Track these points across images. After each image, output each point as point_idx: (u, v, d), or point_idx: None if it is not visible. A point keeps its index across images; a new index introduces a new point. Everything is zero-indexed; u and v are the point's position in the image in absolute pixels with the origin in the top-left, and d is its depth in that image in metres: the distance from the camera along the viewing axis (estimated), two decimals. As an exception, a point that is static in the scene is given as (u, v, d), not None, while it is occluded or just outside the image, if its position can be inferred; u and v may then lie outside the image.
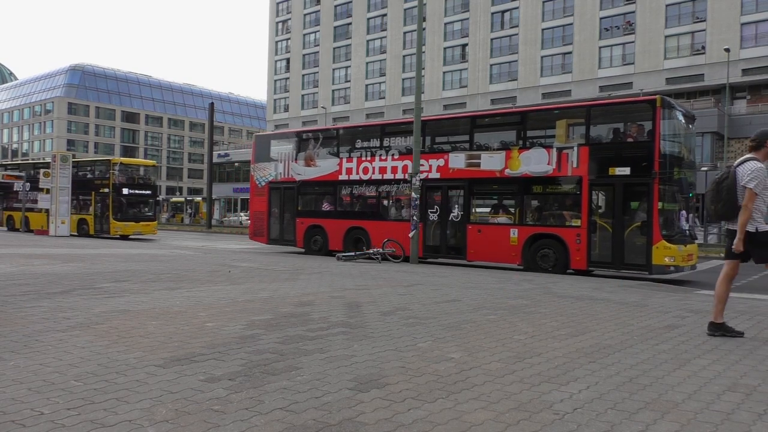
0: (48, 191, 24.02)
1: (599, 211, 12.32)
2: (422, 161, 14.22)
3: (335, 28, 74.40)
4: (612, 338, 5.05)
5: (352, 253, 14.51)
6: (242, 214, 57.01)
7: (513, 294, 7.98)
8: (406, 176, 14.48)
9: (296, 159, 17.21)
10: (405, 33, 67.04)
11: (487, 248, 13.41)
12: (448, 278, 9.97)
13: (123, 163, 26.67)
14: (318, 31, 76.04)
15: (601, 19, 54.28)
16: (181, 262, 11.51)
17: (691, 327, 5.74)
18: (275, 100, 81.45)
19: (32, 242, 18.58)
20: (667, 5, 50.83)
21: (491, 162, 13.49)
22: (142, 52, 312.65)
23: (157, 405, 3.00)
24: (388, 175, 15.19)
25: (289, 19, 79.56)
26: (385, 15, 69.21)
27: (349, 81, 72.88)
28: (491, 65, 60.99)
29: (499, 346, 4.61)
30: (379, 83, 70.09)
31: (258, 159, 18.46)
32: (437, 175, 14.32)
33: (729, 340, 5.13)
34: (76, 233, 25.32)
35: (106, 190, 24.83)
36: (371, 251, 14.70)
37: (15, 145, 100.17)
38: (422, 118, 14.50)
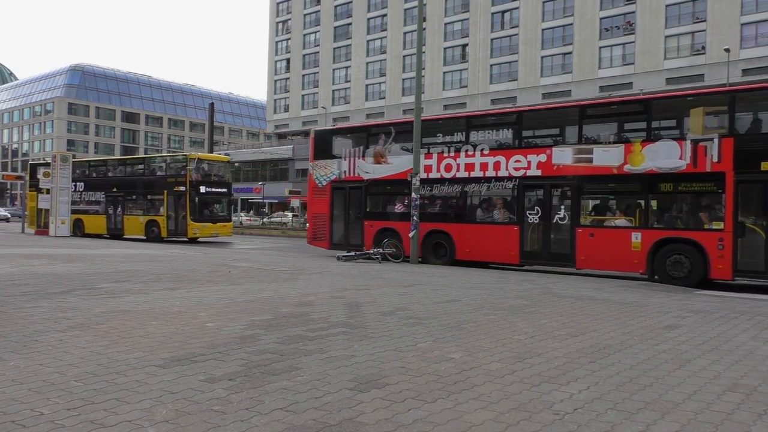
0: (48, 191, 24.01)
1: (747, 212, 10.75)
2: (519, 157, 12.93)
3: (335, 28, 74.40)
4: (612, 338, 5.05)
5: (352, 254, 14.50)
6: (242, 214, 57.01)
7: (513, 294, 7.97)
8: (498, 174, 13.18)
9: (364, 156, 15.47)
10: (405, 33, 67.03)
11: (601, 255, 11.86)
12: (448, 278, 9.97)
13: (201, 159, 23.68)
14: (318, 31, 76.05)
15: (601, 19, 54.28)
16: (181, 263, 11.51)
17: (692, 327, 5.73)
18: (275, 100, 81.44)
19: (32, 242, 18.58)
20: (667, 5, 50.84)
21: (606, 157, 11.96)
22: (142, 52, 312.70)
23: (158, 405, 3.00)
24: (477, 173, 13.58)
25: (289, 19, 79.56)
26: (385, 15, 69.22)
27: (350, 81, 72.89)
28: (491, 65, 60.99)
29: (499, 346, 4.61)
30: (380, 83, 70.09)
31: (318, 156, 16.62)
32: (537, 173, 12.75)
33: (729, 339, 5.13)
34: (143, 237, 23.33)
35: (182, 188, 22.36)
36: (371, 251, 14.67)
37: (15, 146, 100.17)
38: (519, 109, 13.31)
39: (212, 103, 45.33)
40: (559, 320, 5.90)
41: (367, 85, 71.37)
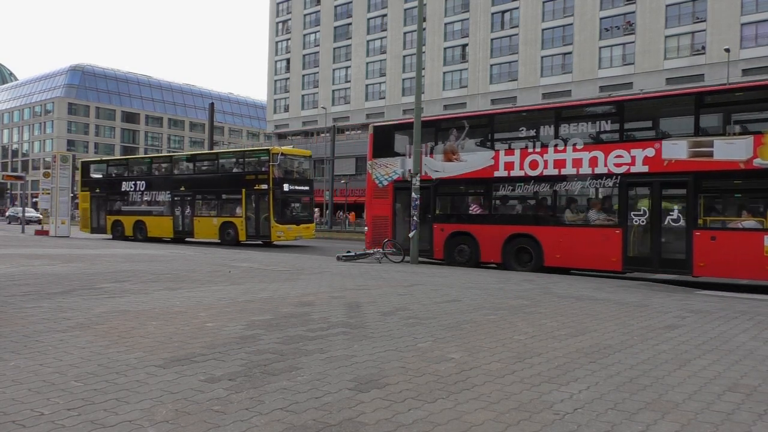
0: (48, 192, 24.01)
1: None
2: (621, 152, 11.69)
3: (335, 28, 74.42)
4: (612, 338, 5.04)
5: (353, 254, 14.48)
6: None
7: (513, 294, 7.97)
8: (595, 171, 11.89)
9: (432, 153, 14.18)
10: (405, 33, 67.05)
11: (725, 260, 10.66)
12: (448, 278, 9.96)
13: (284, 154, 21.36)
14: (318, 31, 76.06)
15: (601, 19, 54.30)
16: (181, 263, 11.50)
17: (692, 327, 5.73)
18: (275, 100, 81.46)
19: (33, 243, 18.58)
20: (667, 5, 50.85)
21: (730, 150, 10.66)
22: (142, 52, 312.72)
23: (158, 405, 3.00)
24: (569, 170, 12.25)
25: (289, 19, 79.59)
26: (385, 15, 69.23)
27: (349, 81, 72.89)
28: (491, 65, 61.01)
29: (499, 346, 4.61)
30: (380, 83, 70.10)
31: (377, 154, 15.22)
32: (644, 169, 11.44)
33: (729, 339, 5.12)
34: (217, 240, 21.44)
35: (264, 186, 20.30)
36: (371, 251, 14.64)
37: (15, 146, 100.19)
38: (620, 99, 12.02)
39: (212, 103, 45.32)
40: (559, 320, 5.90)
41: (367, 85, 71.38)
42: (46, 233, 23.98)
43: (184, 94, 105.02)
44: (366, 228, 15.68)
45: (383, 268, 11.86)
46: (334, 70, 74.62)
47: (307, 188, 22.32)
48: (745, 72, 46.56)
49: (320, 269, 10.98)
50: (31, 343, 4.29)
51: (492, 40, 60.85)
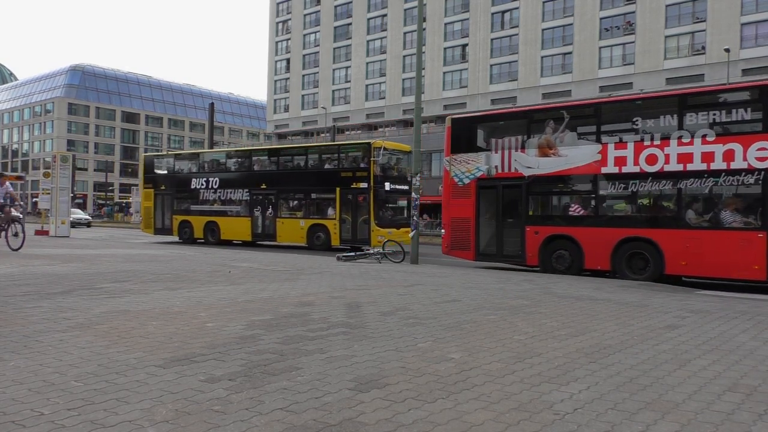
0: (48, 192, 23.99)
1: None
2: (765, 143, 10.38)
3: (335, 28, 74.44)
4: (612, 338, 5.04)
5: (353, 254, 14.48)
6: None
7: (513, 294, 7.97)
8: (731, 166, 10.44)
9: (523, 147, 12.84)
10: (405, 33, 67.07)
11: None
12: (448, 278, 9.96)
13: (387, 148, 19.09)
14: (318, 31, 76.09)
15: (601, 19, 54.33)
16: (181, 263, 11.50)
17: (692, 327, 5.73)
18: (275, 100, 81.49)
19: (32, 243, 18.58)
20: (667, 5, 50.87)
21: None
22: (142, 52, 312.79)
23: (158, 405, 3.00)
24: (696, 165, 10.81)
25: (289, 19, 79.61)
26: (385, 15, 69.24)
27: (349, 81, 72.91)
28: (491, 65, 61.03)
29: (499, 346, 4.61)
30: (379, 83, 70.13)
31: (456, 149, 13.87)
32: None
33: (729, 339, 5.12)
34: (304, 244, 19.66)
35: (364, 184, 18.27)
36: (371, 251, 14.62)
37: (15, 146, 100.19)
38: (763, 83, 10.86)
39: (212, 103, 45.32)
40: (559, 320, 5.90)
41: (367, 85, 71.40)
42: (46, 233, 23.97)
43: (184, 94, 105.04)
44: (442, 231, 14.25)
45: (383, 268, 11.86)
46: (334, 70, 74.64)
47: (406, 188, 19.66)
48: (745, 72, 46.59)
49: (320, 269, 10.98)
50: (31, 343, 4.29)
51: (492, 40, 60.88)
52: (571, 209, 12.53)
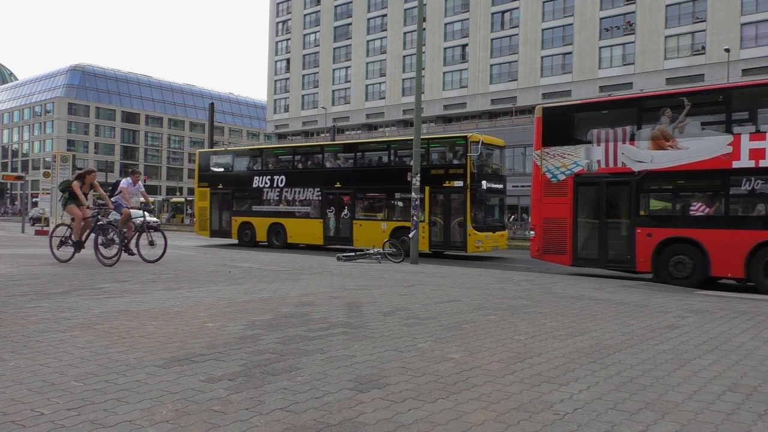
0: (48, 192, 23.99)
1: None
2: None
3: (335, 28, 74.45)
4: (612, 338, 5.04)
5: (353, 254, 14.46)
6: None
7: (513, 294, 7.97)
8: None
9: (632, 139, 11.54)
10: (405, 33, 67.08)
11: None
12: (448, 278, 9.96)
13: (485, 142, 17.13)
14: (318, 31, 76.10)
15: (601, 19, 54.34)
16: (181, 263, 11.49)
17: (692, 327, 5.73)
18: (275, 100, 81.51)
19: (33, 243, 18.58)
20: (667, 5, 50.89)
21: None
22: (142, 52, 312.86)
23: (158, 405, 3.00)
24: None
25: (289, 19, 79.62)
26: (385, 15, 69.25)
27: (349, 81, 72.93)
28: (491, 65, 61.04)
29: (499, 346, 4.61)
30: (379, 83, 70.13)
31: (549, 141, 12.56)
32: None
33: (729, 339, 5.12)
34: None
35: (459, 183, 16.55)
36: (372, 251, 14.61)
37: (15, 146, 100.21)
38: None
39: (212, 103, 45.33)
40: (559, 320, 5.90)
41: (367, 85, 71.42)
42: (45, 233, 23.97)
43: (184, 94, 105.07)
44: (532, 233, 12.91)
45: (383, 268, 11.86)
46: (334, 70, 74.65)
47: (501, 186, 18.29)
48: (745, 72, 46.60)
49: (320, 269, 10.98)
50: (31, 343, 4.29)
51: (492, 40, 60.89)
52: (693, 208, 11.04)
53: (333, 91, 74.65)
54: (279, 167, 20.93)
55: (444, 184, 16.89)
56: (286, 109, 79.84)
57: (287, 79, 79.52)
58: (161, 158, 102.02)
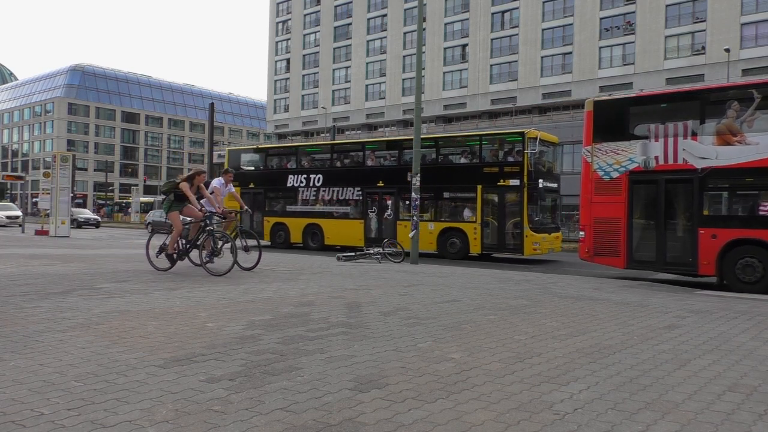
0: (48, 192, 23.99)
1: None
2: None
3: (335, 28, 74.47)
4: (612, 338, 5.04)
5: (352, 253, 14.47)
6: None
7: (513, 294, 7.97)
8: None
9: (694, 134, 10.91)
10: (405, 33, 67.11)
11: None
12: (448, 278, 9.96)
13: (543, 139, 16.26)
14: (318, 31, 76.12)
15: (601, 19, 54.36)
16: (181, 263, 11.49)
17: (692, 327, 5.73)
18: (275, 100, 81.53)
19: (32, 243, 18.58)
20: (667, 5, 50.91)
21: None
22: (142, 52, 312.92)
23: (158, 405, 3.00)
24: None
25: (289, 19, 79.64)
26: (385, 15, 69.26)
27: (349, 81, 72.95)
28: (491, 65, 61.07)
29: (499, 346, 4.61)
30: (379, 83, 70.16)
31: (600, 137, 11.88)
32: None
33: (729, 339, 5.12)
34: (433, 251, 17.01)
35: (515, 182, 15.75)
36: (371, 251, 14.62)
37: (15, 146, 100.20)
38: None
39: (212, 103, 45.29)
40: (559, 320, 5.90)
41: (367, 85, 71.45)
42: (46, 233, 23.97)
43: (184, 94, 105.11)
44: (581, 234, 12.20)
45: (383, 268, 11.86)
46: (334, 70, 74.68)
47: (556, 186, 17.45)
48: (745, 72, 46.62)
49: (320, 269, 10.98)
50: (31, 343, 4.29)
51: (492, 40, 60.91)
52: (763, 208, 10.42)
53: (333, 91, 74.68)
54: (316, 165, 20.03)
55: (498, 183, 16.10)
56: (286, 109, 79.87)
57: (287, 79, 79.55)
58: (161, 158, 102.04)
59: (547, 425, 2.86)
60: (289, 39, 79.50)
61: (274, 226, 20.24)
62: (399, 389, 3.37)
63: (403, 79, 67.33)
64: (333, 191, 19.03)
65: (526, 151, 15.72)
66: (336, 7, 74.40)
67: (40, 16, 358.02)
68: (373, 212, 18.27)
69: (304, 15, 77.79)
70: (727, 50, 41.68)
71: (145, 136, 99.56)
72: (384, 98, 69.64)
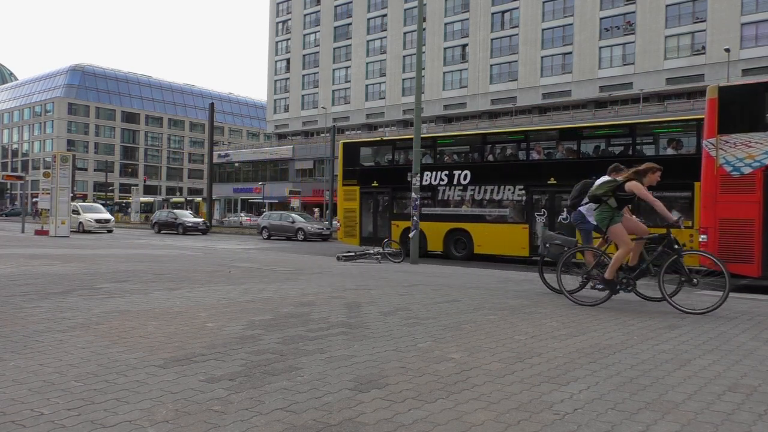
0: (48, 192, 23.99)
1: None
2: None
3: (335, 28, 74.47)
4: (612, 338, 5.04)
5: (352, 253, 14.47)
6: (242, 214, 57.05)
7: (513, 294, 7.97)
8: None
9: None
10: (405, 33, 67.11)
11: None
12: (448, 278, 9.96)
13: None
14: (318, 31, 76.13)
15: (601, 19, 54.36)
16: (181, 263, 11.50)
17: (692, 327, 5.73)
18: (275, 100, 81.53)
19: (32, 243, 18.58)
20: (667, 5, 50.90)
21: None
22: (142, 52, 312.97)
23: (158, 405, 3.00)
24: None
25: (289, 19, 79.65)
26: (385, 15, 69.27)
27: (349, 81, 72.95)
28: (491, 65, 61.07)
29: (499, 346, 4.61)
30: (379, 83, 70.16)
31: (728, 128, 10.45)
32: None
33: (729, 339, 5.12)
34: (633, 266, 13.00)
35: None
36: (371, 251, 14.62)
37: (15, 146, 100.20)
38: None
39: (212, 103, 45.29)
40: (559, 320, 5.90)
41: (367, 85, 71.45)
42: (46, 233, 23.98)
43: (184, 94, 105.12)
44: (703, 237, 10.65)
45: (383, 268, 11.86)
46: (334, 70, 74.68)
47: None
48: (745, 72, 46.61)
49: (320, 269, 10.98)
50: (31, 343, 4.29)
51: (492, 40, 60.92)
52: None
53: (333, 91, 74.68)
54: (461, 159, 17.22)
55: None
56: (286, 109, 79.87)
57: (287, 79, 79.55)
58: (161, 158, 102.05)
59: (547, 425, 2.85)
60: (289, 39, 79.50)
61: (404, 231, 16.79)
62: (399, 389, 3.37)
63: (403, 79, 67.32)
64: (484, 190, 16.22)
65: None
66: (336, 7, 74.40)
67: (40, 16, 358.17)
68: (542, 216, 15.38)
69: (304, 15, 77.80)
70: (727, 50, 41.68)
71: (145, 136, 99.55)
72: (384, 98, 69.65)
